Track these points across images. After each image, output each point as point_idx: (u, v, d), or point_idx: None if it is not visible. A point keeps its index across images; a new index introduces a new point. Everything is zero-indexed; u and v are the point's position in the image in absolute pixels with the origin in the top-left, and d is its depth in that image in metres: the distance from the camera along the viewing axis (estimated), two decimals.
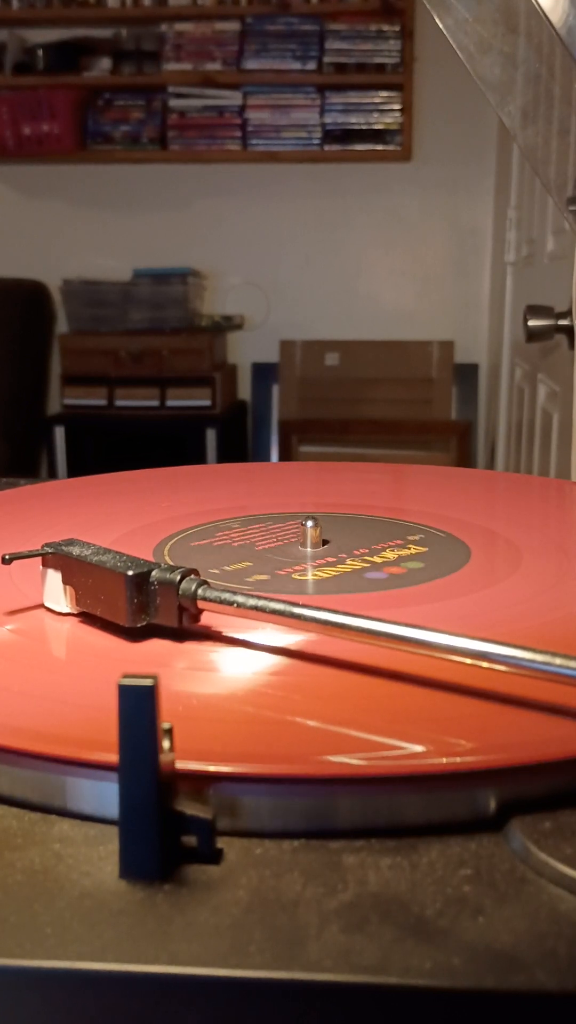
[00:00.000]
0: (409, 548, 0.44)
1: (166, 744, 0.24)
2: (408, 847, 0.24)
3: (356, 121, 2.53)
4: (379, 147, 2.54)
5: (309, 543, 0.44)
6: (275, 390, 2.70)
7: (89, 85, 2.57)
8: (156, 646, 0.33)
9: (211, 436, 2.42)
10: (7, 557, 0.36)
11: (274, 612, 0.31)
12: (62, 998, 0.20)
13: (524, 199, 2.00)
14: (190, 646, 0.33)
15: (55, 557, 0.36)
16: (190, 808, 0.23)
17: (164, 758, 0.23)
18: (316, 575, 0.41)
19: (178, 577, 0.33)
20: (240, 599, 0.32)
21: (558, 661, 0.26)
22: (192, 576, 0.33)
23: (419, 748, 0.26)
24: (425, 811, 0.25)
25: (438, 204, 2.63)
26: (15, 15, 2.54)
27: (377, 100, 2.52)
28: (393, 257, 2.67)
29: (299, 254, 2.68)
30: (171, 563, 0.41)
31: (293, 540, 0.46)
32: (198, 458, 2.41)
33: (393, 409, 2.58)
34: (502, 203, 2.30)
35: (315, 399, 2.63)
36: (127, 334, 2.51)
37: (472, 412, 2.63)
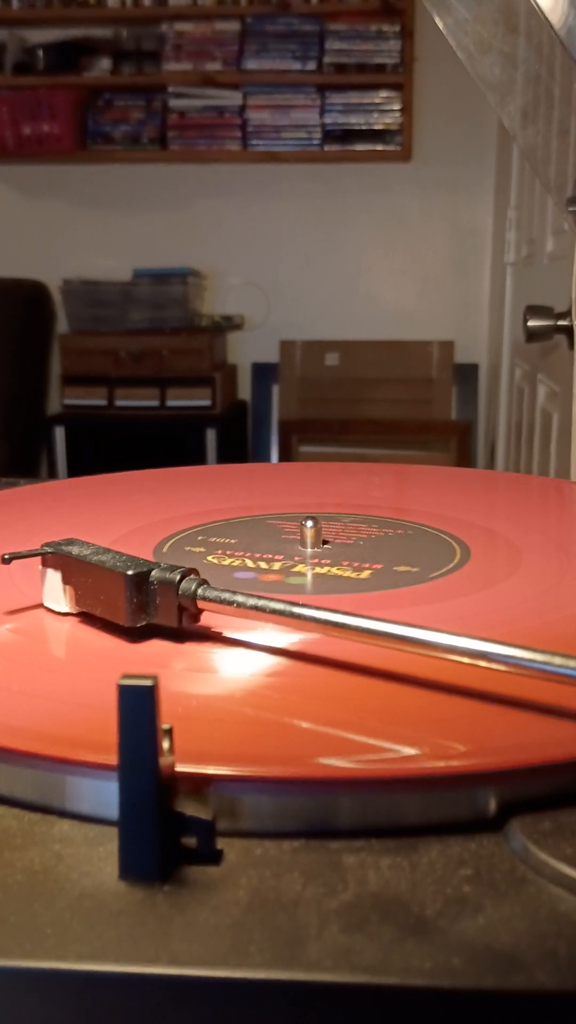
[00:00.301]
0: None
1: (166, 744, 0.24)
2: (408, 847, 0.24)
3: (356, 121, 2.53)
4: (379, 147, 2.54)
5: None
6: (275, 390, 2.70)
7: (89, 85, 2.57)
8: (156, 646, 0.33)
9: (211, 436, 2.42)
10: (7, 557, 0.36)
11: (274, 612, 0.31)
12: (62, 998, 0.20)
13: (524, 199, 2.00)
14: (190, 646, 0.33)
15: (55, 557, 0.36)
16: (190, 808, 0.23)
17: (164, 759, 0.23)
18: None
19: (178, 577, 0.33)
20: (240, 599, 0.32)
21: (558, 661, 0.26)
22: (192, 576, 0.33)
23: (418, 751, 0.26)
24: (425, 811, 0.25)
25: (438, 204, 2.63)
26: (15, 15, 2.54)
27: (377, 100, 2.52)
28: (393, 257, 2.67)
29: (299, 254, 2.68)
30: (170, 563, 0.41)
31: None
32: (198, 458, 2.41)
33: (393, 409, 2.58)
34: (502, 203, 2.30)
35: (315, 399, 2.63)
36: (127, 334, 2.51)
37: (472, 412, 2.63)
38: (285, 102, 2.53)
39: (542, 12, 0.47)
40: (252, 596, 0.32)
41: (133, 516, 0.51)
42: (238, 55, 2.50)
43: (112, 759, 0.23)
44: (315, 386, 2.63)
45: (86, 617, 0.36)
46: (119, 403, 2.46)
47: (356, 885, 0.23)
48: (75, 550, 0.35)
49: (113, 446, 2.48)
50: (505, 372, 2.13)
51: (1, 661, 0.32)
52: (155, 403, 2.45)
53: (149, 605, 0.33)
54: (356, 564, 0.42)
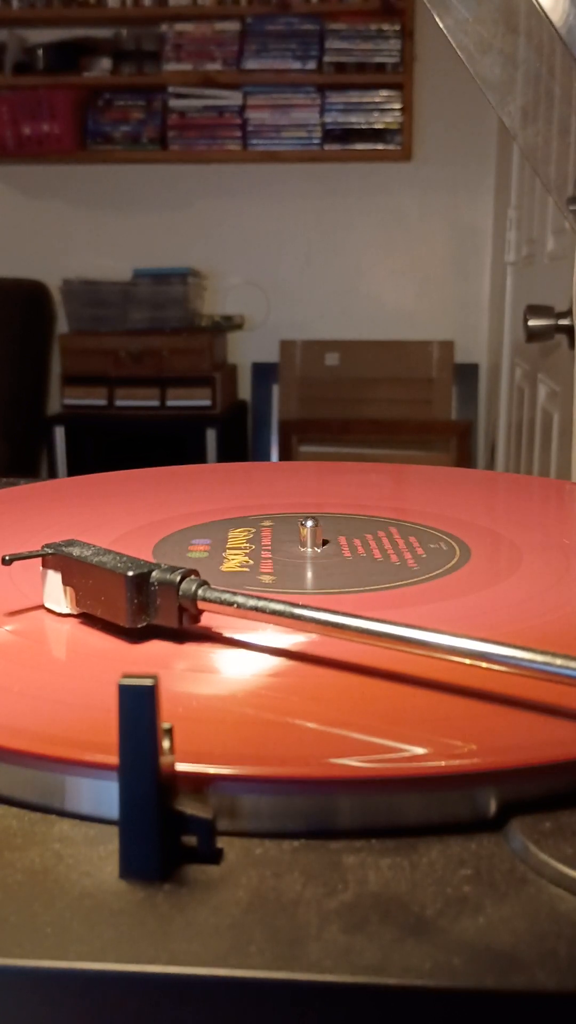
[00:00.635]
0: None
1: (166, 744, 0.24)
2: (408, 847, 0.24)
3: (356, 121, 2.53)
4: (379, 147, 2.54)
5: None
6: (275, 390, 2.70)
7: (89, 85, 2.57)
8: (156, 647, 0.33)
9: (211, 436, 2.42)
10: (7, 558, 0.36)
11: (274, 613, 0.31)
12: (62, 998, 0.20)
13: (524, 199, 2.00)
14: (190, 647, 0.33)
15: (55, 558, 0.36)
16: (190, 808, 0.23)
17: (164, 758, 0.23)
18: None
19: (178, 578, 0.33)
20: (240, 600, 0.32)
21: (558, 661, 0.26)
22: (192, 576, 0.33)
23: (419, 750, 0.26)
24: (425, 811, 0.25)
25: (438, 204, 2.63)
26: (15, 15, 2.54)
27: (377, 100, 2.52)
28: (393, 257, 2.67)
29: (299, 254, 2.68)
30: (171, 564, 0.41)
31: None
32: (198, 458, 2.41)
33: (393, 409, 2.58)
34: (502, 203, 2.30)
35: (315, 399, 2.63)
36: (127, 334, 2.51)
37: (472, 412, 2.63)
38: (285, 102, 2.53)
39: (543, 10, 0.47)
40: (252, 597, 0.32)
41: (133, 516, 0.51)
42: (238, 55, 2.50)
43: (112, 759, 0.23)
44: (315, 386, 2.63)
45: (86, 618, 0.36)
46: (119, 403, 2.46)
47: (356, 885, 0.23)
48: (75, 551, 0.35)
49: (113, 446, 2.48)
50: (505, 372, 2.13)
51: (2, 662, 0.32)
52: (155, 403, 2.45)
53: (150, 606, 0.33)
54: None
